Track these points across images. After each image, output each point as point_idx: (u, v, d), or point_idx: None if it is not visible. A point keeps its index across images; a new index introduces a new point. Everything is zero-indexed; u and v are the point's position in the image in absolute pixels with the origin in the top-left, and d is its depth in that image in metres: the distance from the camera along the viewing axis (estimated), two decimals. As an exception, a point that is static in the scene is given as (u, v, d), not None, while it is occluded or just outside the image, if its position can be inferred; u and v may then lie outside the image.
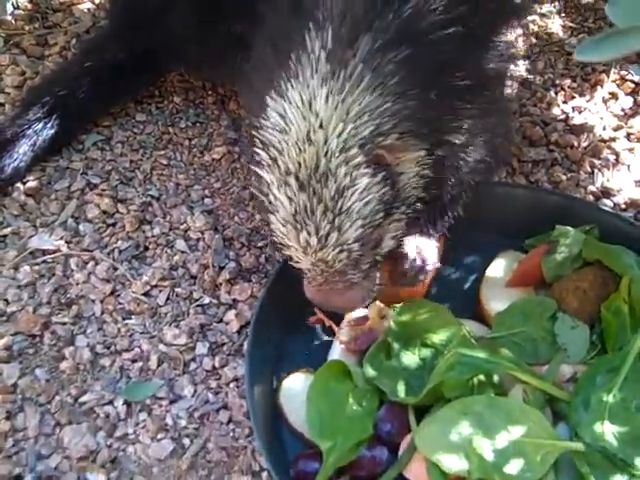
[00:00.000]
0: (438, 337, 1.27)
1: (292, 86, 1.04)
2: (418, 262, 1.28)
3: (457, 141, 1.18)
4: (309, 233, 1.03)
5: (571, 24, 1.96)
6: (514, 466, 1.10)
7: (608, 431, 1.15)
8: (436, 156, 1.13)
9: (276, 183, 1.04)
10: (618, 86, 1.82)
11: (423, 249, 1.29)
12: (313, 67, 1.03)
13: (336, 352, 1.29)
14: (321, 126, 1.01)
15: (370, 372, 1.24)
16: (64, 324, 1.37)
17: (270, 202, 1.05)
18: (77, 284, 1.43)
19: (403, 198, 1.11)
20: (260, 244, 1.51)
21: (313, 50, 1.04)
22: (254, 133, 1.07)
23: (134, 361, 1.35)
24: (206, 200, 1.58)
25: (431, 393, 1.19)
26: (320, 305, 1.18)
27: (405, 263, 1.28)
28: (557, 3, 2.02)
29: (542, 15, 1.99)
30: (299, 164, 1.01)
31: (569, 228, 1.35)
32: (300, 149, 1.01)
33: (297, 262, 1.07)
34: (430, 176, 1.13)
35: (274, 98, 1.05)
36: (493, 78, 1.28)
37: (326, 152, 1.01)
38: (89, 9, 1.92)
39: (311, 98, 1.02)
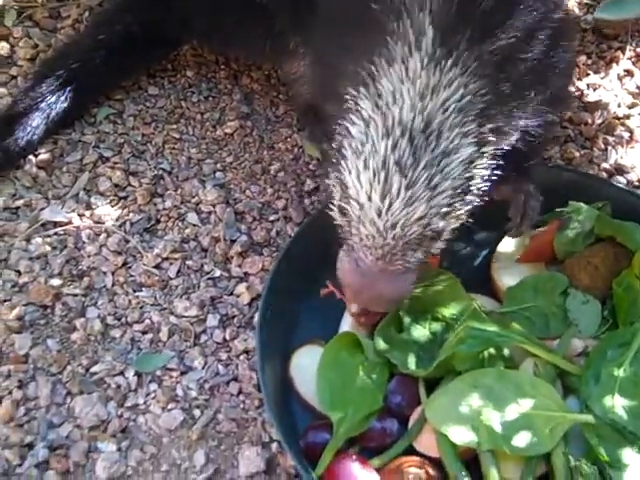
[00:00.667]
0: (449, 311, 1.27)
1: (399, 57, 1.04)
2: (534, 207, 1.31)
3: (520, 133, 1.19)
4: (399, 188, 1.00)
5: (587, 1, 1.94)
6: (523, 438, 1.11)
7: (618, 404, 1.16)
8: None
9: (380, 133, 1.02)
10: (633, 63, 1.81)
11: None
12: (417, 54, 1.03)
13: (347, 324, 1.29)
14: (435, 90, 1.01)
15: (381, 345, 1.24)
16: (75, 295, 1.38)
17: (361, 152, 1.03)
18: (88, 256, 1.43)
19: (471, 193, 1.09)
20: (271, 218, 1.51)
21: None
22: (360, 88, 1.06)
23: (145, 333, 1.35)
24: (218, 174, 1.58)
25: (442, 366, 1.20)
26: (357, 294, 1.13)
27: (527, 208, 1.31)
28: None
29: (557, -10, 1.97)
30: (413, 117, 1.01)
31: (582, 204, 1.35)
32: (419, 101, 1.01)
33: (363, 226, 1.04)
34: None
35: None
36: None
37: (441, 110, 1.01)
38: (102, -19, 1.92)
39: (423, 66, 1.02)
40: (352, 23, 1.13)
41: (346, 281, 1.12)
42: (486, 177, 1.09)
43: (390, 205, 1.01)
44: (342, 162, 1.06)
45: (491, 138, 1.07)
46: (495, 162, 1.10)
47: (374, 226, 1.03)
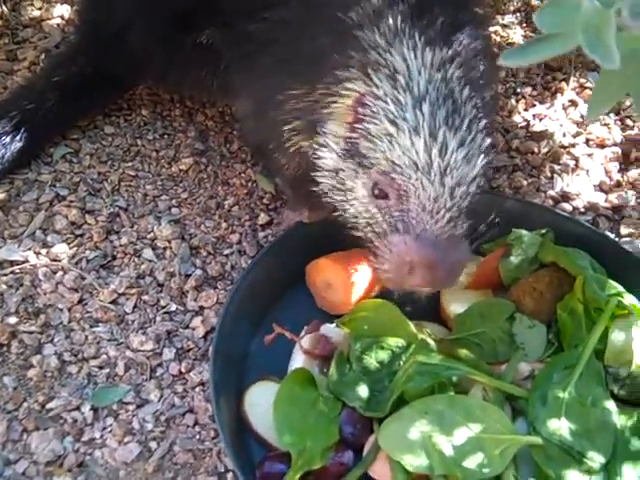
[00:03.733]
0: (394, 340, 1.28)
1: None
2: None
3: None
4: (457, 145, 1.05)
5: (532, 34, 2.00)
6: (474, 461, 1.13)
7: (564, 426, 1.19)
8: None
9: (414, 102, 1.06)
10: (577, 93, 1.87)
11: None
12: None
13: (298, 360, 1.30)
14: (443, 65, 1.09)
15: (335, 389, 1.26)
16: (31, 333, 1.38)
17: (402, 123, 1.06)
18: (45, 294, 1.44)
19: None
20: (226, 252, 1.53)
21: None
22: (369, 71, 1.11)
23: (101, 367, 1.36)
24: (173, 210, 1.60)
25: (394, 402, 1.21)
26: (432, 269, 1.07)
27: None
28: (519, 14, 2.06)
29: (504, 26, 2.03)
30: (437, 87, 1.07)
31: (524, 231, 1.39)
32: (436, 72, 1.09)
33: (428, 190, 1.05)
34: None
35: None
36: None
37: (456, 81, 1.09)
38: (58, 24, 1.94)
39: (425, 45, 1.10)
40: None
41: (417, 260, 1.08)
42: None
43: (453, 162, 1.05)
44: (376, 142, 1.09)
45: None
46: None
47: (442, 186, 1.05)
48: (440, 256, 1.07)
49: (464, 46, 1.13)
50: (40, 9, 1.95)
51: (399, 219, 1.09)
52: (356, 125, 1.11)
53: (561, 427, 1.19)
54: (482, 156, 1.08)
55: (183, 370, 1.36)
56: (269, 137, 1.38)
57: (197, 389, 1.34)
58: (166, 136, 1.74)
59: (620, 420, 1.21)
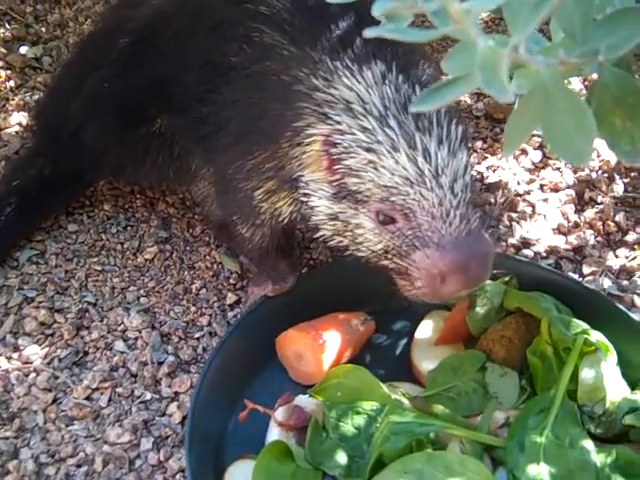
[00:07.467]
0: (368, 404, 1.27)
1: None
2: None
3: None
4: (437, 144, 1.06)
5: (477, 90, 2.04)
6: (457, 517, 1.13)
7: (544, 470, 1.18)
8: None
9: (378, 121, 1.09)
10: (526, 142, 1.90)
11: None
12: None
13: (274, 433, 1.29)
14: (386, 76, 1.13)
15: (313, 459, 1.24)
16: (7, 439, 1.37)
17: (374, 147, 1.09)
18: (18, 397, 1.43)
19: None
20: (197, 335, 1.54)
21: None
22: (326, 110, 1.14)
23: (79, 466, 1.34)
24: (142, 299, 1.61)
25: (374, 465, 1.20)
26: (465, 268, 1.08)
27: None
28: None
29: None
30: (393, 99, 1.10)
31: (487, 281, 1.39)
32: (383, 85, 1.12)
33: (429, 196, 1.06)
34: None
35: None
36: None
37: (408, 85, 1.12)
38: (17, 132, 1.97)
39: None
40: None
41: (445, 269, 1.08)
42: None
43: (440, 161, 1.06)
44: (361, 175, 1.10)
45: None
46: None
47: (441, 188, 1.06)
48: (466, 255, 1.08)
49: (393, 54, 1.16)
50: (-3, 119, 1.98)
51: (414, 236, 1.10)
52: (335, 166, 1.13)
53: (541, 472, 1.18)
54: (463, 144, 1.11)
55: (162, 459, 1.35)
56: (236, 210, 1.41)
57: (177, 476, 1.33)
58: (129, 228, 1.76)
59: (599, 458, 1.21)
